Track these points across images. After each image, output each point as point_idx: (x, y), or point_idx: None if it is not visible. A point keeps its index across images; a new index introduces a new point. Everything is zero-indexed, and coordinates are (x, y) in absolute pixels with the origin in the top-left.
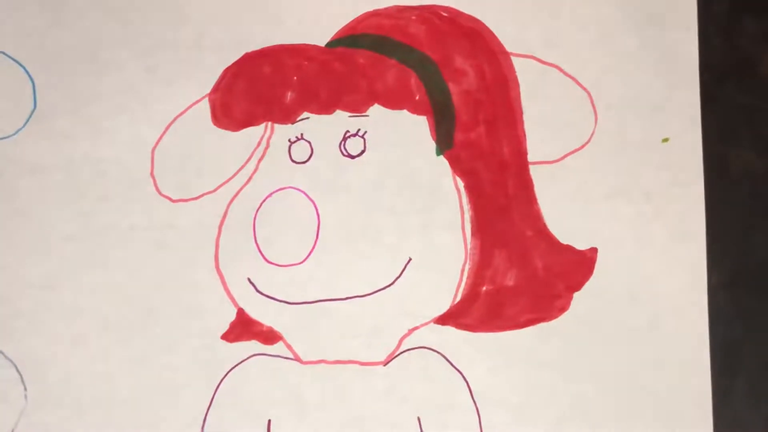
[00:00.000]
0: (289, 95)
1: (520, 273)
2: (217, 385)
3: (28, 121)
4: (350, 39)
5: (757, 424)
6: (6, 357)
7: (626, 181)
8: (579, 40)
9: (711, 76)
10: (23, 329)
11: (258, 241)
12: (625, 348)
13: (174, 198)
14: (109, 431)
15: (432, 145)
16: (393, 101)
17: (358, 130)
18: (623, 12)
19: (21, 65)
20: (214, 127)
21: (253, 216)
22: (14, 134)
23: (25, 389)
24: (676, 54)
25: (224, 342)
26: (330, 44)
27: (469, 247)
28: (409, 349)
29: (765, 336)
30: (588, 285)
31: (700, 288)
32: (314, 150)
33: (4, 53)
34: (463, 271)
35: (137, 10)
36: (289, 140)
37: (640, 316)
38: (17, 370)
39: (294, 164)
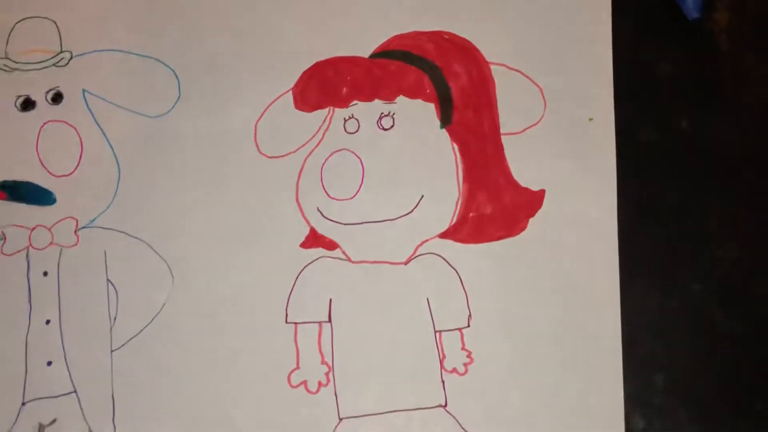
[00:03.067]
0: (344, 89)
1: (495, 206)
2: (296, 276)
3: (174, 106)
4: (385, 53)
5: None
6: (160, 256)
7: (566, 147)
8: (535, 54)
9: (621, 76)
10: (172, 237)
11: (323, 183)
12: (561, 251)
13: (269, 155)
14: (224, 305)
15: (437, 122)
16: (412, 93)
17: (390, 112)
18: (563, 35)
19: (170, 68)
20: (296, 109)
21: (321, 167)
22: (165, 114)
23: (173, 279)
24: (598, 64)
25: (302, 249)
26: (372, 56)
27: (461, 188)
28: (421, 254)
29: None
30: (539, 213)
31: (613, 216)
32: (360, 125)
33: (158, 59)
34: (457, 204)
35: (251, 32)
36: (344, 118)
37: (573, 233)
38: (167, 265)
39: (347, 134)
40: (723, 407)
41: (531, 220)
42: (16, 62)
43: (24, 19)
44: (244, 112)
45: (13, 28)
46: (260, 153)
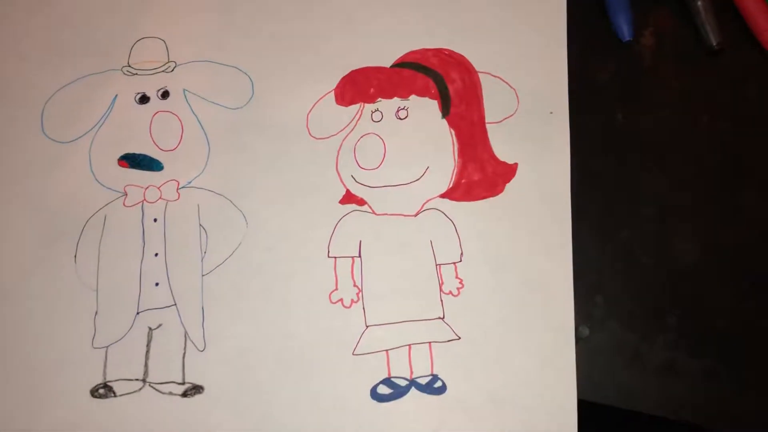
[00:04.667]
0: (371, 90)
1: (481, 174)
2: (336, 223)
3: (249, 101)
4: (401, 64)
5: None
6: (238, 208)
7: (533, 132)
8: (511, 65)
9: (574, 81)
10: (246, 195)
11: (356, 157)
12: (528, 208)
13: (317, 137)
14: (283, 244)
15: (439, 114)
16: (421, 93)
17: (405, 106)
18: (531, 51)
19: (246, 73)
20: (336, 104)
21: (354, 146)
22: (242, 107)
23: (247, 225)
24: (557, 72)
25: (340, 204)
26: (392, 66)
27: (456, 161)
28: (427, 209)
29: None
30: (513, 180)
31: (566, 182)
32: (384, 115)
33: (237, 67)
34: (453, 173)
35: (304, 48)
36: (371, 111)
37: (537, 195)
38: (243, 215)
39: (374, 122)
40: (643, 319)
41: (507, 185)
42: (136, 69)
43: (142, 38)
44: (299, 106)
45: (134, 45)
46: (310, 135)
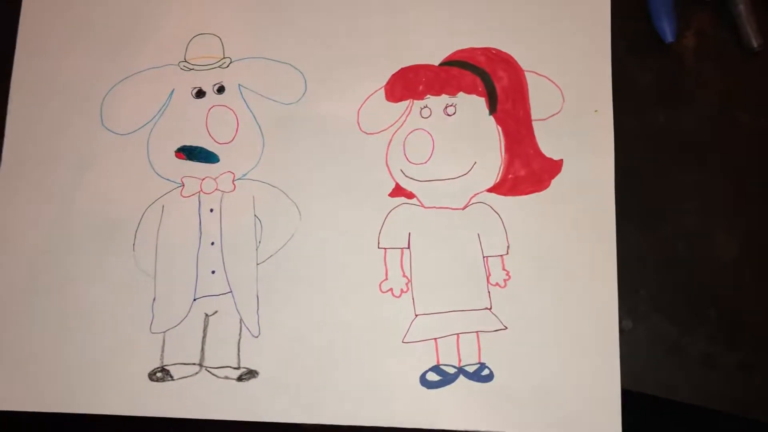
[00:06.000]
0: (420, 87)
1: (527, 170)
2: (386, 216)
3: (301, 97)
4: (449, 62)
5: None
6: (291, 200)
7: (578, 130)
8: (556, 64)
9: (618, 81)
10: (300, 187)
11: (405, 152)
12: (573, 202)
13: (368, 132)
14: (335, 235)
15: (486, 111)
16: (469, 90)
17: (453, 103)
18: (576, 51)
19: (299, 70)
20: (386, 100)
21: (403, 141)
22: (295, 102)
23: (300, 216)
24: (601, 72)
25: (389, 197)
26: (440, 64)
27: (503, 157)
28: (474, 203)
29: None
30: (558, 176)
31: (611, 179)
32: (432, 112)
33: (290, 64)
34: (500, 168)
35: (355, 47)
36: (420, 107)
37: (582, 190)
38: (296, 207)
39: (422, 118)
40: (685, 313)
41: (553, 180)
42: (193, 65)
43: (198, 35)
44: (351, 102)
45: (190, 41)
46: (361, 130)
